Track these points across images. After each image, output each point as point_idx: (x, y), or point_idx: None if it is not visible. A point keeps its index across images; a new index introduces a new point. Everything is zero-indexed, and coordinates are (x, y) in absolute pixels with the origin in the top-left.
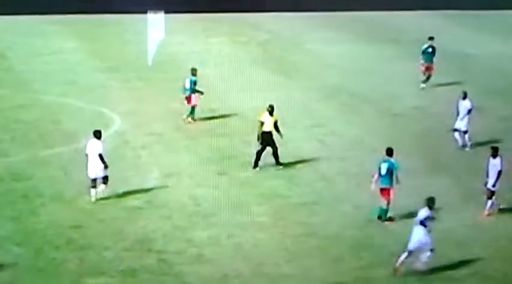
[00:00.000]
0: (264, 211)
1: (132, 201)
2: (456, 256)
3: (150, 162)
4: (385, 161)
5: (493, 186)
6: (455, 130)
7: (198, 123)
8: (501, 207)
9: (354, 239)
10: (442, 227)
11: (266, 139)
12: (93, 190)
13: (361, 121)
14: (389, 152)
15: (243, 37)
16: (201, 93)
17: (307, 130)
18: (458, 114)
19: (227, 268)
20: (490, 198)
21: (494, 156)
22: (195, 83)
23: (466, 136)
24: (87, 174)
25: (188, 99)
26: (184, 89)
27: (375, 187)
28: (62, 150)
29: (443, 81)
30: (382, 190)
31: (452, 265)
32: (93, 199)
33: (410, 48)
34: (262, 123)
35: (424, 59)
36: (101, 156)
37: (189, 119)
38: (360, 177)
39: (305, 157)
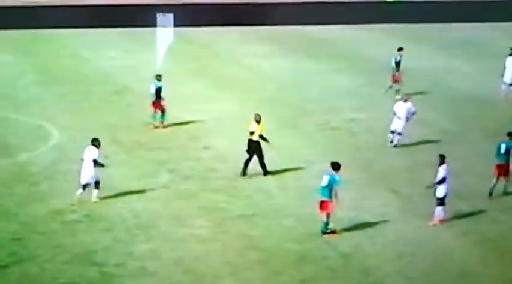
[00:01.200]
0: (205, 224)
1: (71, 215)
2: (396, 269)
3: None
4: (327, 174)
5: (435, 191)
6: (392, 132)
7: (136, 136)
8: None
9: (294, 252)
10: (382, 241)
11: (253, 148)
12: (80, 191)
13: (298, 134)
14: (335, 167)
15: (178, 51)
16: (162, 98)
17: (245, 144)
18: (395, 116)
19: (169, 281)
20: (439, 204)
21: (442, 163)
22: (160, 89)
23: (398, 137)
24: (78, 179)
25: (156, 105)
26: (151, 95)
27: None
28: (0, 164)
29: (379, 95)
30: (321, 202)
31: (392, 277)
32: (76, 198)
33: (346, 62)
34: (251, 133)
35: (394, 69)
36: (95, 161)
37: (160, 124)
38: (299, 190)
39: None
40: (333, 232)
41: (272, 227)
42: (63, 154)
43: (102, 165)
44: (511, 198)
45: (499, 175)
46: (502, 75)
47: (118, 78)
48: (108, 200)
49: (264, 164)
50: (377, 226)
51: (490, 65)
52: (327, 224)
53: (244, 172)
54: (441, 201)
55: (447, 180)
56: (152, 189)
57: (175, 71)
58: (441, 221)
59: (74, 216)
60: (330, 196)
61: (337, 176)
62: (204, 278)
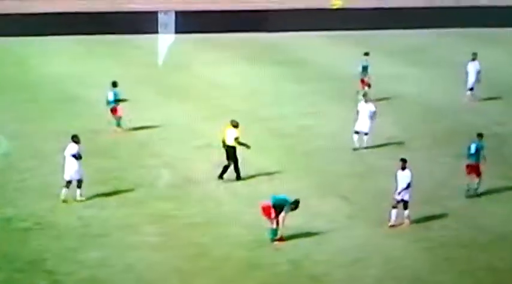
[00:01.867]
0: (155, 232)
1: (21, 223)
2: (346, 275)
3: (36, 184)
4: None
5: (399, 194)
6: (357, 132)
7: (85, 143)
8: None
9: (244, 259)
10: (331, 248)
11: (228, 153)
12: (64, 190)
13: (249, 141)
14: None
15: (127, 58)
16: (125, 100)
17: (196, 151)
18: (358, 116)
19: None
20: (405, 208)
21: (404, 168)
22: (117, 95)
23: (366, 137)
24: (63, 176)
25: (114, 111)
26: (108, 102)
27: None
28: None
29: (329, 101)
30: (264, 208)
31: None
32: (62, 197)
33: (295, 69)
34: (236, 138)
35: (362, 74)
36: (74, 156)
37: (119, 130)
38: (249, 197)
39: (194, 177)
40: (282, 238)
41: (222, 235)
42: (11, 162)
43: (77, 158)
44: (460, 203)
45: (469, 174)
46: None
47: (66, 86)
48: (58, 208)
49: (238, 169)
50: (327, 232)
51: (437, 71)
52: (275, 231)
53: (221, 176)
54: (405, 204)
55: (410, 184)
56: (101, 197)
57: (124, 77)
58: (394, 226)
59: (24, 224)
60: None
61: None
62: None
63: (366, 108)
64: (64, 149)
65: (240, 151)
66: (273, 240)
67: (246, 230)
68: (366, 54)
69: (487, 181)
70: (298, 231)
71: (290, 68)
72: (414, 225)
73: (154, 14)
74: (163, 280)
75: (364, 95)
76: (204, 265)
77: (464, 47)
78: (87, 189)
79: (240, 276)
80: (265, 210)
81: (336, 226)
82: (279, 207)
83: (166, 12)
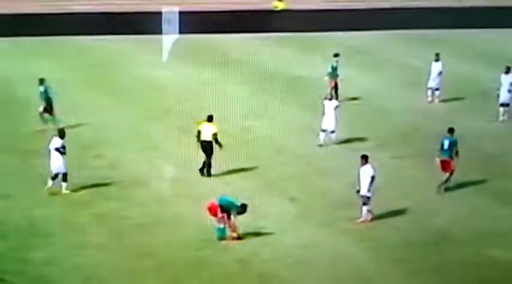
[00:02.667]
0: (102, 232)
1: None
2: (293, 275)
3: None
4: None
5: (368, 191)
6: (323, 130)
7: (28, 144)
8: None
9: (192, 259)
10: (279, 247)
11: (205, 147)
12: (51, 182)
13: (191, 143)
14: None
15: (70, 61)
16: (51, 99)
17: (139, 152)
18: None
19: None
20: (365, 204)
21: (365, 163)
22: (46, 91)
23: (333, 135)
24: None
25: (46, 109)
26: (43, 98)
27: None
28: None
29: (271, 102)
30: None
31: (290, 283)
32: (47, 189)
33: (236, 70)
34: (199, 132)
35: (331, 75)
36: (57, 149)
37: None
38: (194, 197)
39: (138, 178)
40: (238, 237)
41: (169, 235)
42: None
43: (62, 153)
44: (407, 204)
45: (443, 170)
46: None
47: (6, 87)
48: (3, 207)
49: (211, 165)
50: (274, 232)
51: (382, 73)
52: (223, 230)
53: (206, 172)
54: (367, 200)
55: (373, 178)
56: (47, 197)
57: (67, 79)
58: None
59: None
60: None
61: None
62: None
63: (330, 106)
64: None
65: (183, 152)
66: (221, 240)
67: (192, 230)
68: (336, 55)
69: (434, 183)
70: (246, 230)
71: (231, 69)
72: (360, 225)
73: (98, 15)
74: (111, 280)
75: (327, 95)
76: (151, 265)
77: (408, 48)
78: (33, 188)
79: (188, 276)
80: (212, 209)
81: (283, 226)
82: (225, 208)
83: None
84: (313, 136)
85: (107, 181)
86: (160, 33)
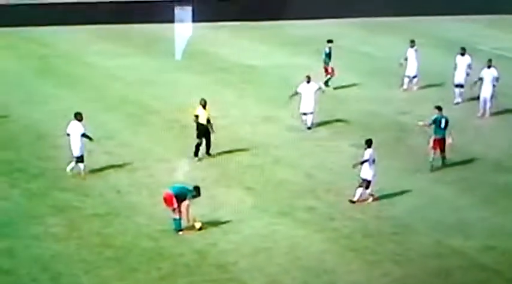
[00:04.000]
0: (58, 222)
1: None
2: (253, 265)
3: None
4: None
5: (374, 175)
6: (304, 114)
7: None
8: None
9: (150, 249)
10: (237, 237)
11: (202, 130)
12: (79, 165)
13: (149, 132)
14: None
15: (22, 50)
16: None
17: (96, 142)
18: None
19: (26, 279)
20: (367, 187)
21: (368, 148)
22: None
23: (311, 116)
24: (71, 153)
25: None
26: None
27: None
28: None
29: (227, 92)
30: (167, 197)
31: (249, 273)
32: (68, 171)
33: (192, 60)
34: (197, 116)
35: (324, 61)
36: (84, 134)
37: None
38: (151, 187)
39: (95, 168)
40: (200, 227)
41: (126, 225)
42: None
43: (90, 138)
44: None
45: (435, 149)
46: (401, 64)
47: None
48: None
49: (210, 145)
50: (232, 222)
51: (340, 61)
52: (179, 220)
53: (196, 155)
54: (368, 184)
55: (374, 161)
56: (3, 188)
57: (20, 70)
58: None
59: None
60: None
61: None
62: (62, 276)
63: (310, 89)
64: None
65: (139, 141)
66: (178, 230)
67: (150, 221)
68: (330, 41)
69: (392, 172)
70: (204, 221)
71: (186, 59)
72: (318, 215)
73: (48, 5)
74: (69, 270)
75: (308, 76)
76: (108, 255)
77: (366, 37)
78: None
79: (146, 266)
80: (167, 200)
81: (240, 216)
82: (180, 195)
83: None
84: (269, 126)
85: (63, 171)
86: (115, 22)
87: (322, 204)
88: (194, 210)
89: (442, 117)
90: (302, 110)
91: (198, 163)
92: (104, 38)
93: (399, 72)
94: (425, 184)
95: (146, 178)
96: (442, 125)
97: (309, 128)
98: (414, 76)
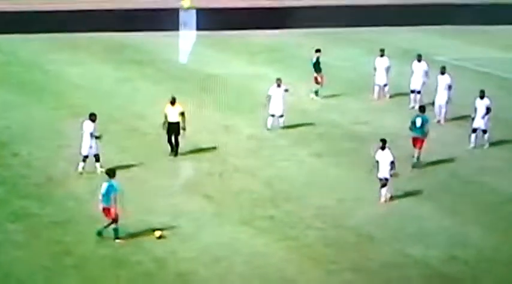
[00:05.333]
0: (18, 229)
1: None
2: (213, 274)
3: None
4: (106, 181)
5: (391, 176)
6: (272, 115)
7: None
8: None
9: (109, 257)
10: (197, 246)
11: (173, 129)
12: (81, 164)
13: (110, 141)
14: (111, 174)
15: None
16: None
17: (56, 150)
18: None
19: None
20: (384, 185)
21: (383, 148)
22: None
23: (282, 119)
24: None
25: None
26: None
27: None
28: None
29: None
30: (104, 209)
31: (209, 282)
32: (80, 169)
33: (151, 69)
34: (166, 115)
35: (315, 70)
36: (91, 134)
37: None
38: None
39: (54, 176)
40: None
41: (85, 233)
42: None
43: (98, 137)
44: (324, 203)
45: (415, 147)
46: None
47: None
48: None
49: (178, 144)
50: (191, 231)
51: (298, 71)
52: (116, 229)
53: (172, 149)
54: (386, 182)
55: (393, 163)
56: None
57: None
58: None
59: None
60: (109, 202)
61: (114, 182)
62: None
63: (279, 92)
64: None
65: (102, 148)
66: (117, 238)
67: (111, 229)
68: (318, 50)
69: (352, 181)
70: (163, 229)
71: (146, 68)
72: (278, 224)
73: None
74: (29, 278)
75: (278, 79)
76: (68, 263)
77: (325, 48)
78: None
79: (105, 274)
80: (105, 210)
81: (200, 224)
82: (110, 197)
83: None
84: (228, 135)
85: (22, 179)
86: (76, 31)
87: (282, 212)
88: (153, 219)
89: (418, 116)
90: (271, 112)
91: (158, 170)
92: (64, 46)
93: (359, 82)
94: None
95: None
96: (418, 124)
97: (268, 129)
98: (385, 85)
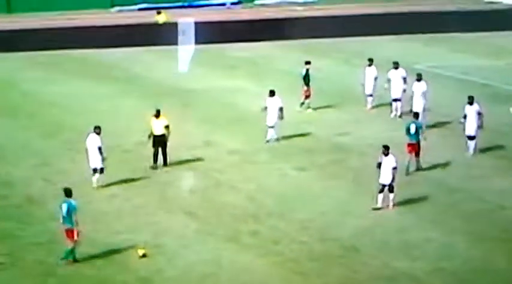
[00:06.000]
0: (1, 252)
1: None
2: None
3: None
4: (64, 202)
5: (392, 180)
6: (271, 127)
7: None
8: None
9: (94, 277)
10: (182, 263)
11: (156, 142)
12: (94, 177)
13: (87, 159)
14: (68, 193)
15: None
16: None
17: (33, 169)
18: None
19: None
20: (391, 191)
21: (386, 154)
22: None
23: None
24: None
25: None
26: None
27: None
28: None
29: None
30: (67, 231)
31: None
32: (94, 185)
33: (129, 85)
34: (151, 128)
35: (304, 83)
36: (99, 148)
37: None
38: (91, 214)
39: (34, 196)
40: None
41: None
42: None
43: (103, 158)
44: (307, 216)
45: (410, 153)
46: (362, 85)
47: None
48: None
49: (166, 155)
50: (175, 248)
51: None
52: (72, 250)
53: (155, 163)
54: (383, 188)
55: (395, 169)
56: None
57: None
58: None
59: None
60: (72, 223)
61: (73, 201)
62: None
63: (273, 103)
64: None
65: (79, 167)
66: (75, 260)
67: (92, 248)
68: (307, 62)
69: (335, 194)
70: (147, 248)
71: (123, 84)
72: (262, 239)
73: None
74: None
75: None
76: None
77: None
78: None
79: None
80: (67, 233)
81: (184, 241)
82: (70, 217)
83: None
84: (209, 149)
85: (3, 199)
86: (51, 48)
87: (266, 227)
88: (136, 237)
89: (412, 122)
90: (269, 123)
91: (139, 188)
92: (38, 64)
93: (339, 93)
94: (369, 205)
95: (86, 205)
96: (412, 131)
97: (267, 141)
98: (370, 95)
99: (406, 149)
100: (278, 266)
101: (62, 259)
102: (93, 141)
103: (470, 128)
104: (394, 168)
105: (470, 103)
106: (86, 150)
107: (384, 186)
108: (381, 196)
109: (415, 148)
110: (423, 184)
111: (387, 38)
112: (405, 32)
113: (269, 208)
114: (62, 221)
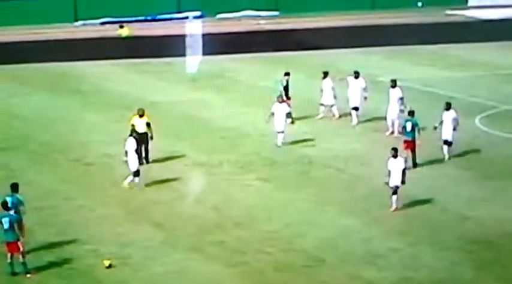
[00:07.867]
0: None
1: None
2: None
3: None
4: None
5: (402, 182)
6: (281, 132)
7: None
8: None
9: None
10: (148, 275)
11: (141, 139)
12: (136, 179)
13: (53, 171)
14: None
15: None
16: None
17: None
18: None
19: None
20: (395, 193)
21: (395, 156)
22: None
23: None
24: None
25: None
26: None
27: None
28: None
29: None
30: (8, 244)
31: None
32: (137, 183)
33: (92, 98)
34: (133, 126)
35: (282, 95)
36: (136, 151)
37: None
38: (58, 225)
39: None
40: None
41: (35, 264)
42: None
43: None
44: (272, 228)
45: (407, 150)
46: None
47: None
48: None
49: (148, 152)
50: (141, 260)
51: (238, 96)
52: (24, 263)
53: (145, 160)
54: (396, 190)
55: (404, 170)
56: None
57: None
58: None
59: None
60: (17, 237)
61: (19, 196)
62: None
63: (281, 109)
64: None
65: (44, 180)
66: (28, 273)
67: (59, 259)
68: (287, 74)
69: (300, 205)
70: (112, 259)
71: (87, 97)
72: (228, 250)
73: None
74: None
75: (279, 96)
76: None
77: (265, 72)
78: None
79: None
80: (10, 247)
81: (150, 252)
82: (17, 219)
83: None
84: (174, 161)
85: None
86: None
87: (232, 237)
88: (102, 248)
89: (408, 120)
90: (277, 129)
91: (104, 199)
92: (4, 77)
93: (301, 104)
94: (334, 216)
95: (52, 217)
96: (408, 128)
97: (278, 146)
98: (332, 106)
99: (402, 146)
100: (244, 277)
101: (27, 273)
102: (130, 145)
103: (447, 133)
104: (404, 169)
105: (448, 109)
106: (126, 152)
107: (397, 187)
108: (394, 197)
109: (410, 145)
110: (387, 194)
111: (349, 51)
112: (367, 45)
113: (234, 219)
114: (4, 236)
